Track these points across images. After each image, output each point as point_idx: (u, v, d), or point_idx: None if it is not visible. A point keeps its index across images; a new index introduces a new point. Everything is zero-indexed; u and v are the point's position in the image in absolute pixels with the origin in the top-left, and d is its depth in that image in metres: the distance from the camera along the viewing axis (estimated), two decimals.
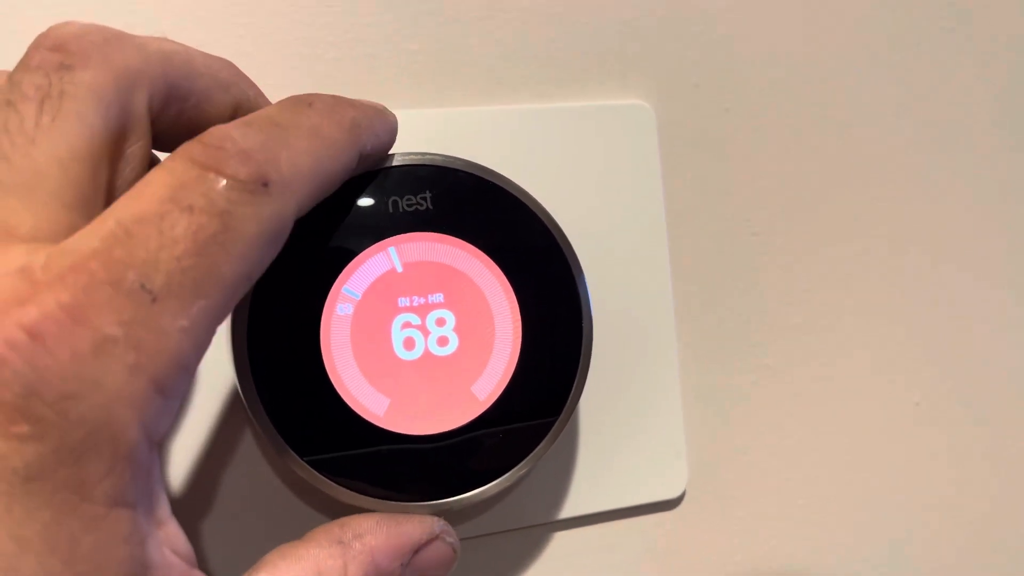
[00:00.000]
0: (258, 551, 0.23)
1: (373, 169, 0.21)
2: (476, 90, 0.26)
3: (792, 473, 0.30)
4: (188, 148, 0.16)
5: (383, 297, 0.21)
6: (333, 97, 0.19)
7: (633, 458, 0.27)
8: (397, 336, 0.21)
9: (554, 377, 0.23)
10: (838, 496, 0.30)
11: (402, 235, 0.21)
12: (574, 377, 0.23)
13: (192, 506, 0.23)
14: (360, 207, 0.21)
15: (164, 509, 0.16)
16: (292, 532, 0.23)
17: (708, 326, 0.29)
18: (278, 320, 0.21)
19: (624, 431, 0.27)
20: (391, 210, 0.21)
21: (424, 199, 0.22)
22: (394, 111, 0.25)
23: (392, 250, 0.21)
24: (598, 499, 0.27)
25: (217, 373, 0.23)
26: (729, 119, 0.29)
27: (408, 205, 0.22)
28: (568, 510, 0.26)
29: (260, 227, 0.15)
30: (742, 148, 0.29)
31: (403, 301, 0.21)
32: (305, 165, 0.17)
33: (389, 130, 0.21)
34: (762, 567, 0.29)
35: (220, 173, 0.15)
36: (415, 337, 0.22)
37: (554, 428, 0.23)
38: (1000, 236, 0.33)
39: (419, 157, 0.22)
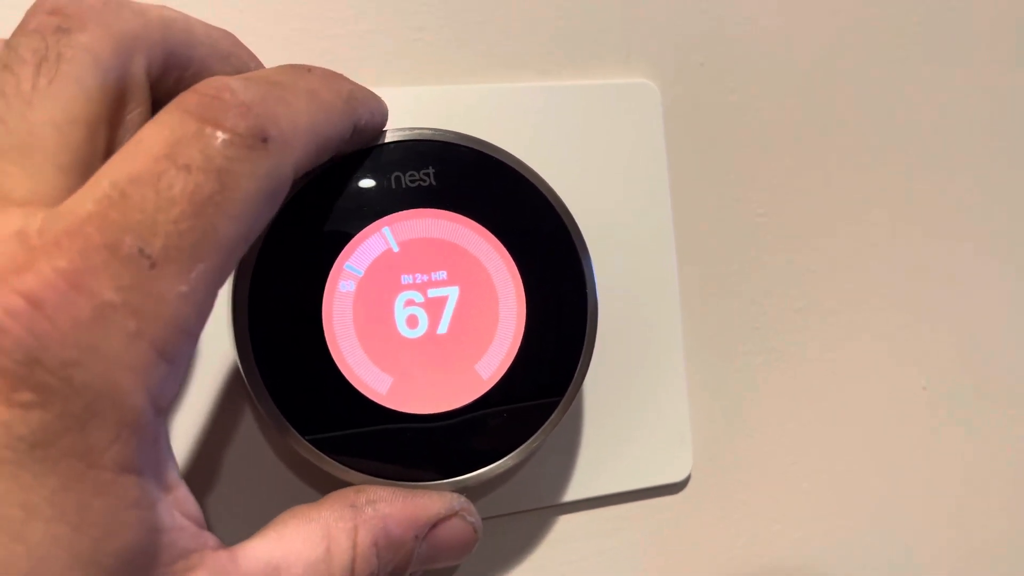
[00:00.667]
0: (253, 527, 0.23)
1: (367, 147, 0.21)
2: (479, 68, 0.26)
3: (797, 457, 0.29)
4: (183, 99, 0.15)
5: (386, 274, 0.21)
6: (330, 69, 0.19)
7: (638, 441, 0.27)
8: (400, 314, 0.21)
9: (558, 357, 0.22)
10: (844, 480, 0.30)
11: (401, 212, 0.21)
12: (579, 357, 0.22)
13: (192, 486, 0.22)
14: (362, 182, 0.21)
15: (173, 474, 0.16)
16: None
17: (714, 308, 0.28)
18: (279, 297, 0.20)
19: (629, 414, 0.27)
20: (394, 186, 0.21)
21: (427, 175, 0.21)
22: (397, 88, 0.25)
23: (386, 230, 0.21)
24: (602, 482, 0.26)
25: (217, 350, 0.23)
26: (735, 99, 0.28)
27: (411, 181, 0.21)
28: (571, 493, 0.26)
29: (258, 185, 0.15)
30: (748, 128, 0.29)
31: (406, 278, 0.21)
32: (303, 124, 0.16)
33: (382, 111, 0.21)
34: (767, 552, 0.29)
35: (218, 126, 0.15)
36: (418, 315, 0.21)
37: (558, 408, 0.22)
38: (1008, 219, 0.32)
39: (421, 132, 0.21)
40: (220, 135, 0.15)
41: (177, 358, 0.15)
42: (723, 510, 0.28)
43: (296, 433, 0.20)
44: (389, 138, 0.21)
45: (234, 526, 0.23)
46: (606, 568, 0.27)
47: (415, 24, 0.25)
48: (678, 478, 0.27)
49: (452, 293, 0.21)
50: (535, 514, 0.26)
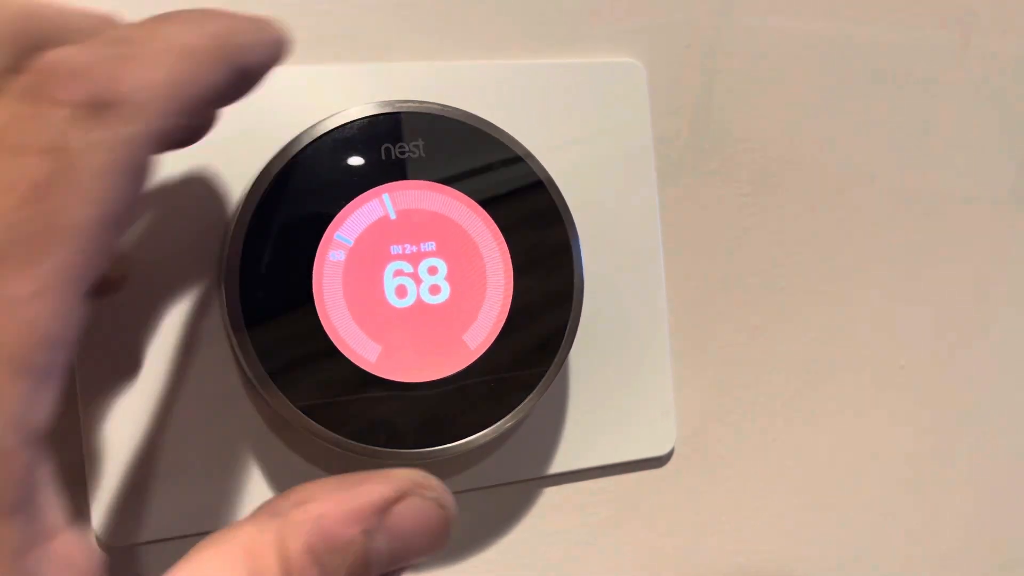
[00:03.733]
0: (245, 500, 0.23)
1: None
2: (466, 44, 0.26)
3: (780, 434, 0.30)
4: (14, 82, 0.13)
5: (375, 244, 0.21)
6: (198, 10, 0.16)
7: (621, 415, 0.27)
8: (389, 283, 0.21)
9: (545, 327, 0.23)
10: (827, 457, 0.30)
11: (395, 182, 0.21)
12: (565, 328, 0.23)
13: (180, 457, 0.23)
14: (352, 153, 0.21)
15: (55, 516, 0.13)
16: (282, 483, 0.23)
17: (698, 284, 0.29)
18: (270, 266, 0.21)
19: (613, 387, 0.27)
20: (383, 157, 0.21)
21: (417, 147, 0.22)
22: (383, 64, 0.25)
23: (386, 196, 0.21)
24: (585, 455, 0.27)
25: (207, 318, 0.23)
26: (721, 79, 0.29)
27: (401, 152, 0.22)
28: (555, 466, 0.26)
29: (107, 157, 0.13)
30: (734, 109, 0.29)
31: (395, 249, 0.21)
32: (159, 80, 0.14)
33: (270, 43, 0.17)
34: (749, 527, 0.30)
35: (53, 101, 0.13)
36: (407, 285, 0.22)
37: (544, 379, 0.23)
38: (991, 205, 0.33)
39: (413, 105, 0.22)
40: (56, 112, 0.13)
41: (43, 370, 0.12)
42: (706, 484, 0.29)
43: (285, 399, 0.21)
44: (379, 110, 0.22)
45: (222, 497, 0.23)
46: (589, 540, 0.27)
47: (401, 0, 0.25)
48: (661, 452, 0.28)
49: (441, 264, 0.22)
50: (518, 487, 0.27)
